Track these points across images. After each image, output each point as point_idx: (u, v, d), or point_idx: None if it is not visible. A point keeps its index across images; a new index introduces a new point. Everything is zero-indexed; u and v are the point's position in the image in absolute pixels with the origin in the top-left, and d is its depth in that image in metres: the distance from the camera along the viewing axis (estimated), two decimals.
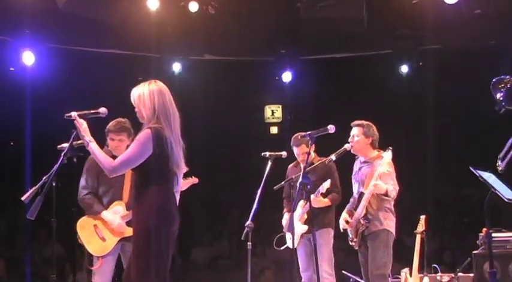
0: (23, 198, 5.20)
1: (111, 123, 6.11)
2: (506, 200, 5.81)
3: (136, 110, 4.93)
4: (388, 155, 6.45)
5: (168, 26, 9.93)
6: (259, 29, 9.97)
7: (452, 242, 11.81)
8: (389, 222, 6.57)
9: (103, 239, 6.13)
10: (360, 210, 6.50)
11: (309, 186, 5.82)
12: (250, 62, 11.43)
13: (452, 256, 10.85)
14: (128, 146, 5.54)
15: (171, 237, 4.82)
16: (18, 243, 11.36)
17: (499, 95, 5.24)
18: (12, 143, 12.60)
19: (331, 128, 5.79)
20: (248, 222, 6.18)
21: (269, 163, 6.59)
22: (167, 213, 4.82)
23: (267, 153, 6.71)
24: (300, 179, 5.77)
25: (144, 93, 4.87)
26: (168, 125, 4.86)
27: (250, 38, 10.20)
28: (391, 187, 6.43)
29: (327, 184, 6.91)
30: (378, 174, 6.36)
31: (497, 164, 5.18)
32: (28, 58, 9.99)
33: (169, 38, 10.27)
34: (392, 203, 6.63)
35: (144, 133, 4.78)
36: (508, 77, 5.24)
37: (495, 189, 5.44)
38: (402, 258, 9.04)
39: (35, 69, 10.09)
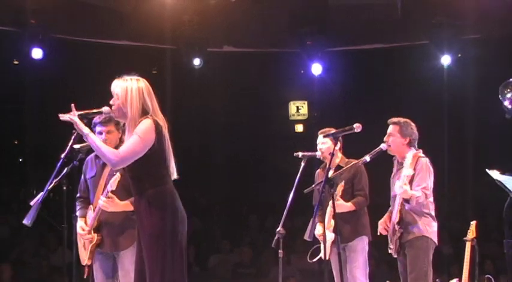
0: (31, 203, 5.17)
1: (97, 117, 5.95)
2: None
3: (114, 105, 4.82)
4: (409, 155, 6.33)
5: (184, 14, 9.88)
6: (284, 17, 9.90)
7: (493, 250, 11.67)
8: (428, 228, 6.42)
9: (84, 247, 6.14)
10: (395, 216, 6.40)
11: (332, 190, 5.73)
12: (273, 54, 11.35)
13: (493, 265, 10.71)
14: (121, 139, 5.50)
15: (185, 238, 4.84)
16: (24, 248, 11.40)
17: (507, 103, 5.20)
18: (16, 142, 12.67)
19: (357, 127, 5.62)
20: (279, 229, 6.12)
21: (302, 164, 6.50)
22: (181, 213, 4.83)
23: (300, 154, 6.61)
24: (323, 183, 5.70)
25: (133, 89, 4.80)
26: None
27: (273, 28, 10.13)
28: (419, 193, 6.30)
29: (339, 188, 6.80)
30: (404, 176, 6.26)
31: None
32: (34, 51, 9.96)
33: (185, 28, 10.20)
34: (432, 207, 6.51)
35: (145, 122, 4.72)
36: None
37: None
38: (439, 267, 8.92)
39: (42, 63, 10.06)
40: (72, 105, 4.76)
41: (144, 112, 4.78)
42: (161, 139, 4.76)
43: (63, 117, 4.75)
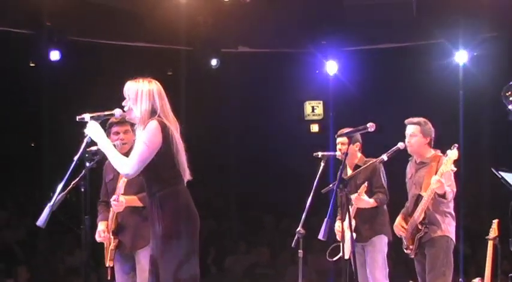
0: (50, 205, 5.21)
1: (113, 117, 6.02)
2: None
3: (126, 107, 4.88)
4: (453, 152, 6.32)
5: (199, 16, 9.88)
6: (298, 17, 9.87)
7: (508, 249, 11.58)
8: (449, 228, 6.44)
9: (106, 249, 6.23)
10: (418, 215, 6.39)
11: (345, 190, 5.77)
12: (288, 54, 11.33)
13: (511, 266, 10.66)
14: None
15: (197, 238, 4.88)
16: (41, 250, 11.44)
17: (510, 106, 5.27)
18: (33, 144, 12.71)
19: (371, 126, 5.63)
20: (299, 229, 6.16)
21: (322, 164, 6.54)
22: (193, 214, 4.87)
23: (320, 153, 6.66)
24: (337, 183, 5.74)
25: (143, 91, 4.84)
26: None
27: (288, 28, 10.11)
28: (449, 189, 6.33)
29: (363, 188, 6.82)
30: (440, 172, 6.26)
31: None
32: (51, 53, 10.01)
33: (200, 29, 10.22)
34: (452, 206, 6.52)
35: (150, 125, 4.75)
36: None
37: None
38: (456, 266, 8.85)
39: (58, 65, 10.12)
40: (87, 115, 4.85)
41: (154, 113, 4.82)
42: (168, 141, 4.78)
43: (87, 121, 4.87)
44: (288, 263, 10.96)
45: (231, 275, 11.82)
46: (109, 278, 6.24)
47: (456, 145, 6.39)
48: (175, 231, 4.76)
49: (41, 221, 4.89)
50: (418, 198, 6.47)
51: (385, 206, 7.01)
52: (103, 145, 4.83)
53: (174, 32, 9.96)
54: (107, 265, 6.18)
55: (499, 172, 5.62)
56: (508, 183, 5.60)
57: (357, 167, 6.86)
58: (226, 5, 9.52)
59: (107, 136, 5.89)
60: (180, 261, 4.76)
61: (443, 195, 6.31)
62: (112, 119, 5.89)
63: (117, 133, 6.01)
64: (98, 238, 6.09)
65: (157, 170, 4.80)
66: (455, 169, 6.38)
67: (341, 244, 6.57)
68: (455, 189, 6.44)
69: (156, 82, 4.95)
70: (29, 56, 10.53)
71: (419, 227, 6.42)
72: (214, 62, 10.69)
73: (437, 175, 6.26)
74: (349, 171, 6.95)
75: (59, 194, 5.01)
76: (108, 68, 10.33)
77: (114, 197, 5.85)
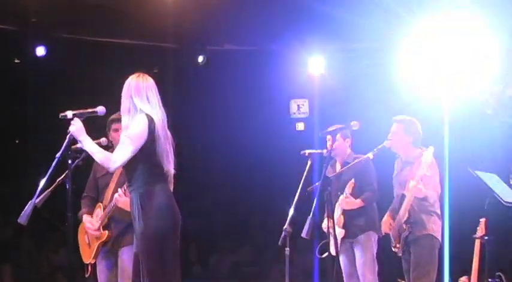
0: (36, 201, 5.19)
1: (114, 114, 6.00)
2: (504, 203, 5.85)
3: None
4: (427, 155, 6.29)
5: (185, 13, 9.84)
6: (285, 15, 9.86)
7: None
8: (434, 227, 6.47)
9: (88, 245, 6.16)
10: (402, 214, 6.41)
11: (329, 188, 5.84)
12: (274, 52, 11.30)
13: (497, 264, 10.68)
14: None
15: (178, 237, 4.93)
16: (26, 248, 11.37)
17: (489, 111, 5.40)
18: (17, 141, 12.62)
19: (354, 125, 5.77)
20: (286, 226, 6.21)
21: (309, 162, 6.58)
22: (173, 212, 4.91)
23: (306, 152, 6.70)
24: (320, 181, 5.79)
25: (128, 85, 4.96)
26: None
27: (274, 25, 10.08)
28: (431, 191, 6.32)
29: (350, 185, 6.85)
30: (419, 176, 6.25)
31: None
32: (37, 49, 9.96)
33: (186, 27, 10.19)
34: (438, 205, 6.53)
35: (138, 121, 4.83)
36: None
37: (493, 192, 5.54)
38: (442, 265, 8.87)
39: (44, 61, 10.07)
40: (70, 112, 4.90)
41: (135, 108, 4.90)
42: (154, 138, 4.84)
43: (71, 117, 4.94)
44: (273, 261, 10.94)
45: (216, 273, 11.79)
46: (87, 275, 6.18)
47: (431, 147, 6.39)
48: (155, 229, 4.81)
49: (23, 217, 4.89)
50: (403, 197, 6.48)
51: (374, 203, 7.03)
52: (84, 142, 4.90)
53: (160, 29, 9.93)
54: (88, 262, 6.13)
55: (475, 172, 5.73)
56: (484, 182, 5.71)
57: (346, 163, 6.88)
58: (213, 3, 9.48)
59: (108, 132, 5.94)
60: (160, 259, 4.79)
61: (424, 199, 6.33)
62: (113, 116, 5.91)
63: (116, 130, 5.99)
64: (90, 226, 6.02)
65: (139, 167, 4.86)
66: (432, 172, 6.33)
67: (330, 241, 6.59)
68: (439, 190, 6.44)
69: (139, 75, 5.01)
70: (14, 52, 10.46)
71: (404, 226, 6.45)
72: (200, 59, 10.70)
73: (415, 180, 6.25)
74: (339, 168, 6.99)
75: (41, 191, 5.01)
76: (94, 65, 10.28)
77: (120, 191, 5.79)
